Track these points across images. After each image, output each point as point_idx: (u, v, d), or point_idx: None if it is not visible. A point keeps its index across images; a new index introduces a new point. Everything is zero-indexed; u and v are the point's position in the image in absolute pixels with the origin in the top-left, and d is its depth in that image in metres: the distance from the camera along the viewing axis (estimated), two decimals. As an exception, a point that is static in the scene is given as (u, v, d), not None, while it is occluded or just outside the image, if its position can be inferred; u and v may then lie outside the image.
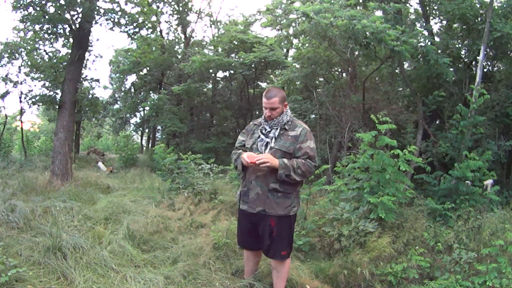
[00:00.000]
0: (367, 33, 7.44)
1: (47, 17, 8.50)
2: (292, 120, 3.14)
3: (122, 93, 21.29)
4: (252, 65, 13.75)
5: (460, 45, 9.84)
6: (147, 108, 19.29)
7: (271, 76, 16.18)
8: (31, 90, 12.57)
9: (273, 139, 3.04)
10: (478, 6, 8.57)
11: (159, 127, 19.92)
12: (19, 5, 8.46)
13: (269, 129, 3.08)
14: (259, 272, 3.53)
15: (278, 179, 2.97)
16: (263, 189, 3.02)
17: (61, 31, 9.29)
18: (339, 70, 12.83)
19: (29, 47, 10.77)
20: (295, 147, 3.01)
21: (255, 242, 3.24)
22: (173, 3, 18.11)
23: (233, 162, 3.23)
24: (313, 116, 10.87)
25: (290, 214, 3.10)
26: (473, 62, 9.60)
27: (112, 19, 9.17)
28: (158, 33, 17.08)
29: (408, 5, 9.97)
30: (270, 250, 3.14)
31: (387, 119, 5.03)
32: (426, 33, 9.07)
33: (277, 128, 3.06)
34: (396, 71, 10.40)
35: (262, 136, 3.08)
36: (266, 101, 3.01)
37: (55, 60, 10.46)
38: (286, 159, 2.97)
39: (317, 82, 12.32)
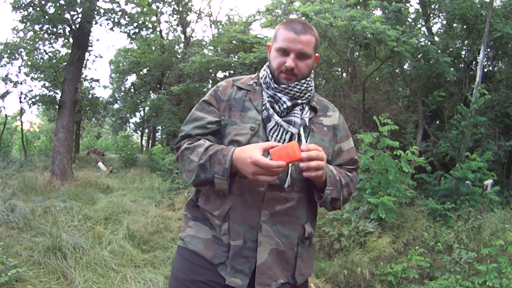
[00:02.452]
0: (367, 33, 7.44)
1: (47, 17, 8.51)
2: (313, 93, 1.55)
3: (122, 93, 21.30)
4: (252, 65, 13.75)
5: (460, 45, 9.84)
6: (147, 108, 19.31)
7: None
8: (31, 90, 12.59)
9: (303, 129, 1.43)
10: (478, 6, 8.57)
11: (159, 127, 19.93)
12: (19, 5, 8.46)
13: (289, 104, 1.43)
14: None
15: (316, 208, 1.53)
16: (290, 240, 1.40)
17: (61, 31, 9.29)
18: (339, 70, 12.83)
19: (29, 47, 10.78)
20: (333, 149, 1.53)
21: None
22: (173, 3, 18.12)
23: (187, 168, 1.39)
24: (313, 116, 10.86)
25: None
26: (473, 62, 9.61)
27: (112, 19, 9.17)
28: (158, 33, 17.10)
29: (408, 4, 9.98)
30: None
31: (389, 120, 5.04)
32: (425, 30, 9.07)
33: (305, 105, 1.48)
34: (396, 71, 10.40)
35: (275, 117, 1.41)
36: (295, 38, 1.39)
37: (55, 60, 10.47)
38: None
39: (317, 82, 12.32)
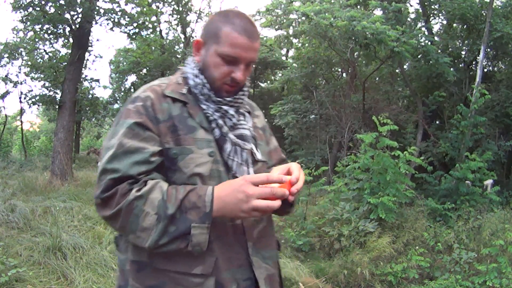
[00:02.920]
0: (367, 34, 7.45)
1: (47, 17, 8.51)
2: None
3: (122, 93, 21.29)
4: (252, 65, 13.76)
5: (460, 45, 9.84)
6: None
7: (271, 76, 16.18)
8: (31, 90, 12.60)
9: (253, 140, 1.27)
10: (478, 6, 8.58)
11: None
12: (19, 5, 8.46)
13: (236, 117, 1.23)
14: None
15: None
16: (273, 259, 1.29)
17: (61, 31, 9.29)
18: (339, 70, 12.83)
19: (29, 47, 10.78)
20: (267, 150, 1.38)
21: None
22: (173, 3, 18.11)
23: (142, 226, 1.01)
24: (313, 116, 10.87)
25: None
26: (473, 62, 9.61)
27: (112, 19, 9.18)
28: (158, 33, 17.10)
29: (408, 4, 9.98)
30: None
31: (388, 121, 5.05)
32: (425, 31, 9.08)
33: (246, 113, 1.31)
34: (396, 71, 10.40)
35: (231, 136, 1.20)
36: (249, 45, 1.14)
37: (55, 60, 10.47)
38: None
39: (317, 82, 12.32)
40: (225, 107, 1.18)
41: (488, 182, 5.99)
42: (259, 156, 1.25)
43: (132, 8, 9.54)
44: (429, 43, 8.70)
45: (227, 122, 1.19)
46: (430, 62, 8.00)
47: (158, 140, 1.10)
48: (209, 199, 1.02)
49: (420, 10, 10.09)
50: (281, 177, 1.05)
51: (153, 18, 12.29)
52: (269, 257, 1.24)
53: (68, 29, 9.19)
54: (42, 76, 11.15)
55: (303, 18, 9.12)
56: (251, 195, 1.00)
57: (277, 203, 1.02)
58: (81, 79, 10.41)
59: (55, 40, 9.87)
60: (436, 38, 9.81)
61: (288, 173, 1.16)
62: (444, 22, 10.65)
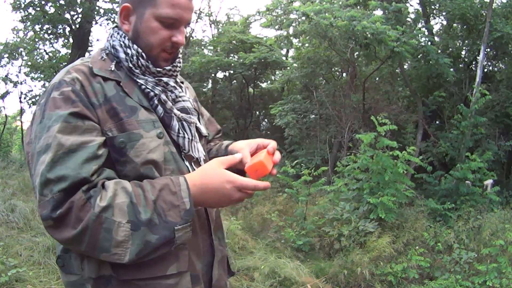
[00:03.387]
0: (367, 34, 7.44)
1: (47, 17, 8.52)
2: None
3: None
4: (252, 65, 13.77)
5: (460, 45, 9.84)
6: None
7: (271, 76, 16.19)
8: (31, 90, 12.60)
9: (195, 112, 1.17)
10: (478, 6, 8.58)
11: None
12: (19, 5, 8.47)
13: (177, 89, 1.13)
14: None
15: None
16: (224, 239, 1.25)
17: (61, 31, 9.31)
18: (339, 70, 12.83)
19: (29, 47, 10.79)
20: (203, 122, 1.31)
21: None
22: (173, 3, 18.13)
23: (117, 241, 0.86)
24: (313, 116, 10.87)
25: None
26: (473, 62, 9.61)
27: (112, 19, 9.18)
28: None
29: (408, 4, 9.98)
30: None
31: (387, 121, 5.05)
32: (425, 31, 9.08)
33: (181, 84, 1.21)
34: (396, 71, 10.40)
35: (175, 111, 1.09)
36: (187, 4, 1.03)
37: (55, 60, 10.48)
38: None
39: (317, 82, 12.32)
40: (164, 79, 1.06)
41: (488, 182, 5.99)
42: (204, 130, 1.18)
43: (132, 8, 9.56)
44: (429, 43, 8.70)
45: (169, 96, 1.07)
46: (430, 62, 8.00)
47: (99, 129, 0.93)
48: (186, 194, 0.91)
49: (420, 10, 10.09)
50: (267, 184, 0.96)
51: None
52: (222, 238, 1.20)
53: (68, 29, 9.20)
54: (42, 76, 11.15)
55: (303, 18, 9.12)
56: (238, 186, 0.93)
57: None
58: (81, 79, 10.41)
59: (55, 40, 9.89)
60: (436, 38, 9.81)
61: (263, 146, 1.10)
62: (444, 22, 10.66)
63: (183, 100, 1.11)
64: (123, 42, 1.04)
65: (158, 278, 0.96)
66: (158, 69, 1.05)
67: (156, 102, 1.04)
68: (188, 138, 1.08)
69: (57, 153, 0.87)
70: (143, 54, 1.03)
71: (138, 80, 1.03)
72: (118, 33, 1.06)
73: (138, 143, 0.95)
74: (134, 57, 1.03)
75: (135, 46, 1.03)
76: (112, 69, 1.02)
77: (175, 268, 0.98)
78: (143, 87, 1.03)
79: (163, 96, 1.05)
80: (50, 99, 0.93)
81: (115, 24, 1.12)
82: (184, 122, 1.08)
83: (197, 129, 1.14)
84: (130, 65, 1.03)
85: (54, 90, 0.94)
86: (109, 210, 0.85)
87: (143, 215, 0.86)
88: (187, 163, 1.07)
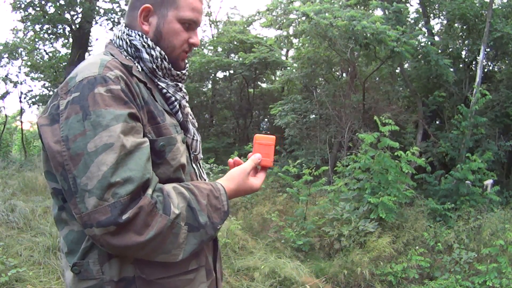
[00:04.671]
0: (367, 33, 7.44)
1: (47, 17, 8.52)
2: None
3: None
4: (252, 66, 13.78)
5: (460, 45, 9.85)
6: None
7: (271, 76, 16.19)
8: (31, 90, 12.60)
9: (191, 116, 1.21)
10: (478, 6, 8.58)
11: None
12: (19, 5, 8.47)
13: (187, 95, 1.17)
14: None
15: None
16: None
17: (61, 31, 9.31)
18: (339, 70, 12.83)
19: (29, 47, 10.79)
20: None
21: None
22: (173, 3, 18.13)
23: (178, 243, 0.90)
24: (313, 116, 10.87)
25: None
26: (473, 62, 9.61)
27: (112, 19, 9.19)
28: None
29: (408, 4, 9.98)
30: None
31: (390, 121, 5.05)
32: (425, 30, 9.08)
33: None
34: (396, 71, 10.40)
35: (190, 118, 1.17)
36: (202, 7, 1.09)
37: (55, 60, 10.48)
38: None
39: (317, 82, 12.33)
40: (180, 84, 1.09)
41: (488, 182, 6.00)
42: (197, 135, 1.21)
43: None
44: (429, 43, 8.70)
45: (182, 101, 1.10)
46: (431, 63, 8.00)
47: (143, 131, 0.93)
48: (225, 198, 0.99)
49: (421, 10, 10.09)
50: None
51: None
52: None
53: (68, 29, 9.20)
54: (42, 76, 11.16)
55: (303, 18, 9.12)
56: (256, 190, 1.08)
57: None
58: (81, 79, 10.42)
59: (55, 40, 9.89)
60: (436, 38, 9.81)
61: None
62: (444, 22, 10.65)
63: (188, 106, 1.15)
64: (146, 43, 1.02)
65: (180, 274, 0.99)
66: (178, 72, 1.07)
67: (177, 107, 1.06)
68: (198, 140, 1.13)
69: (121, 153, 0.82)
70: (166, 56, 1.04)
71: (159, 83, 1.03)
72: (135, 33, 1.03)
73: (174, 147, 0.97)
74: (159, 59, 1.02)
75: (158, 48, 1.02)
76: (140, 70, 1.01)
77: (195, 263, 1.02)
78: (164, 91, 1.04)
79: (183, 102, 1.08)
80: (96, 95, 0.85)
81: (123, 23, 1.08)
82: (193, 130, 1.13)
83: None
84: (154, 66, 1.02)
85: (98, 86, 0.86)
86: (179, 216, 0.87)
87: (201, 219, 0.91)
88: (193, 165, 1.11)
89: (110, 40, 1.08)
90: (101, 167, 0.80)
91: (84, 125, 0.83)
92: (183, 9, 1.02)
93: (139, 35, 1.03)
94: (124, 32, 1.04)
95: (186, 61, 1.13)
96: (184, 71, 1.10)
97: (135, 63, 1.01)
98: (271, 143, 1.11)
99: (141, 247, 0.84)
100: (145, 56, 1.01)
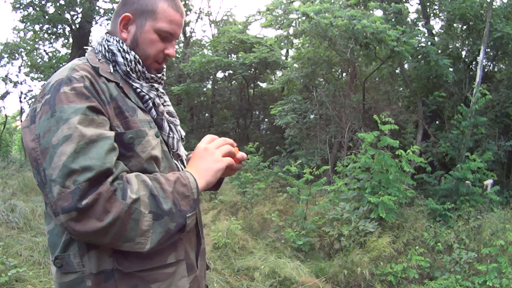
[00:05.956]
0: (367, 33, 7.45)
1: (47, 17, 8.52)
2: None
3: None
4: (252, 66, 13.78)
5: (460, 45, 9.85)
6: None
7: (271, 76, 16.19)
8: (31, 90, 12.61)
9: (177, 116, 1.30)
10: (478, 6, 8.58)
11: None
12: (19, 5, 8.47)
13: (166, 95, 1.28)
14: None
15: None
16: (204, 237, 1.29)
17: (61, 31, 9.31)
18: (339, 70, 12.83)
19: (29, 47, 10.79)
20: None
21: None
22: (173, 3, 18.11)
23: (142, 230, 0.92)
24: (313, 116, 10.87)
25: None
26: (473, 62, 9.61)
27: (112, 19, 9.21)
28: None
29: (408, 4, 9.99)
30: None
31: (390, 119, 5.06)
32: (425, 31, 9.08)
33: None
34: (396, 71, 10.40)
35: (166, 115, 1.20)
36: (181, 20, 1.15)
37: (55, 60, 10.48)
38: None
39: (317, 82, 12.33)
40: (156, 85, 1.16)
41: (488, 182, 6.00)
42: (183, 132, 1.27)
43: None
44: (429, 43, 8.70)
45: (160, 101, 1.18)
46: (431, 63, 8.00)
47: (109, 124, 0.98)
48: (194, 186, 1.00)
49: (421, 10, 10.10)
50: (232, 141, 1.15)
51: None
52: (203, 231, 1.25)
53: (68, 29, 9.21)
54: (42, 76, 11.16)
55: (303, 18, 9.13)
56: (222, 159, 1.09)
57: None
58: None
59: (55, 40, 9.90)
60: (436, 38, 9.81)
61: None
62: (444, 22, 10.65)
63: (168, 105, 1.22)
64: (121, 47, 1.10)
65: (159, 267, 1.02)
66: (152, 75, 1.15)
67: (150, 104, 1.12)
68: (176, 138, 1.17)
69: (79, 143, 0.88)
70: (140, 60, 1.11)
71: (133, 84, 1.11)
72: (113, 39, 1.12)
73: (144, 140, 1.02)
74: (132, 63, 1.10)
75: (132, 53, 1.10)
76: (112, 71, 1.08)
77: (174, 257, 1.05)
78: (139, 90, 1.11)
79: (157, 100, 1.14)
80: (61, 94, 0.94)
81: (106, 30, 1.18)
82: (171, 125, 1.17)
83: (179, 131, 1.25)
84: (128, 69, 1.10)
85: (63, 86, 0.95)
86: (138, 201, 0.90)
87: (165, 205, 0.94)
88: (175, 161, 1.15)
89: (92, 46, 1.16)
90: (61, 157, 0.87)
91: (50, 121, 0.91)
92: (161, 21, 1.09)
93: (116, 40, 1.11)
94: (103, 39, 1.13)
95: (164, 65, 1.21)
96: (159, 75, 1.18)
97: (109, 65, 1.09)
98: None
99: (102, 233, 0.87)
100: (120, 59, 1.09)
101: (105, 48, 1.11)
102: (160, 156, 1.06)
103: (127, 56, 1.09)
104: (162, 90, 1.20)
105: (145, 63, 1.12)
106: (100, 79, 1.03)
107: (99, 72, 1.04)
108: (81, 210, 0.85)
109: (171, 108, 1.22)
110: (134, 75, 1.11)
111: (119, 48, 1.10)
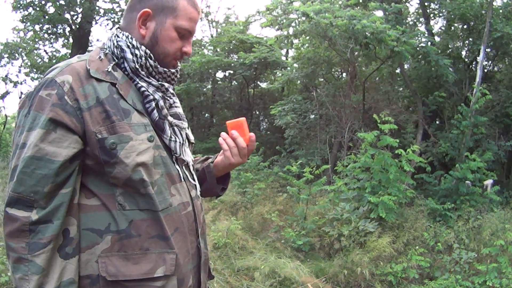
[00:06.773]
0: (367, 33, 7.45)
1: (47, 17, 8.53)
2: None
3: (122, 93, 21.29)
4: (252, 65, 13.78)
5: (460, 45, 9.85)
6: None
7: (271, 76, 16.19)
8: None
9: (185, 119, 1.25)
10: (478, 6, 8.58)
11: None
12: (19, 5, 8.48)
13: (175, 96, 1.21)
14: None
15: None
16: (207, 246, 1.28)
17: (61, 31, 9.32)
18: (339, 70, 12.83)
19: (29, 47, 10.80)
20: None
21: None
22: (173, 3, 18.11)
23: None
24: (313, 116, 10.87)
25: None
26: (473, 62, 9.61)
27: (112, 19, 9.19)
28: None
29: (408, 4, 9.99)
30: None
31: (389, 119, 5.06)
32: (424, 31, 9.08)
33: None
34: (396, 71, 10.40)
35: (170, 118, 1.13)
36: (198, 17, 1.13)
37: (55, 60, 10.49)
38: None
39: (317, 82, 12.33)
40: (166, 85, 1.10)
41: (488, 182, 6.00)
42: (192, 137, 1.24)
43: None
44: (429, 43, 8.70)
45: (167, 102, 1.12)
46: (431, 63, 8.00)
47: (76, 137, 0.95)
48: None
49: (420, 10, 10.10)
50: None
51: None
52: (206, 242, 1.23)
53: (68, 29, 9.21)
54: (42, 76, 11.16)
55: (303, 18, 9.12)
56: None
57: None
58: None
59: (55, 40, 9.90)
60: (436, 38, 9.81)
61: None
62: (444, 22, 10.66)
63: (176, 107, 1.17)
64: (131, 43, 1.06)
65: (146, 280, 0.98)
66: (165, 69, 1.09)
67: (153, 105, 1.06)
68: (180, 142, 1.11)
69: (24, 156, 0.92)
70: (151, 55, 1.06)
71: (139, 83, 1.05)
72: (123, 34, 1.07)
73: (127, 145, 0.97)
74: (143, 58, 1.05)
75: (143, 48, 1.06)
76: (109, 70, 1.02)
77: (162, 271, 1.01)
78: (143, 89, 1.05)
79: (161, 102, 1.08)
80: (38, 96, 0.96)
81: (117, 25, 1.13)
82: (175, 128, 1.12)
83: (186, 135, 1.19)
84: (137, 66, 1.05)
85: (43, 89, 0.96)
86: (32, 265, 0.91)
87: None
88: (177, 167, 1.10)
89: (103, 42, 1.13)
90: (15, 161, 0.94)
91: (23, 120, 0.96)
92: (182, 18, 1.06)
93: (125, 36, 1.07)
94: (114, 34, 1.09)
95: (178, 63, 1.17)
96: (173, 70, 1.12)
97: (109, 63, 1.04)
98: (240, 124, 1.19)
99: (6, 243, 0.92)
100: (129, 56, 1.05)
101: (114, 44, 1.07)
102: (151, 161, 1.00)
103: (136, 51, 1.05)
104: (172, 91, 1.14)
105: (164, 61, 1.09)
106: (90, 81, 0.98)
107: (90, 74, 0.99)
108: (5, 215, 0.91)
109: (179, 110, 1.18)
110: (143, 72, 1.06)
111: (128, 44, 1.05)
